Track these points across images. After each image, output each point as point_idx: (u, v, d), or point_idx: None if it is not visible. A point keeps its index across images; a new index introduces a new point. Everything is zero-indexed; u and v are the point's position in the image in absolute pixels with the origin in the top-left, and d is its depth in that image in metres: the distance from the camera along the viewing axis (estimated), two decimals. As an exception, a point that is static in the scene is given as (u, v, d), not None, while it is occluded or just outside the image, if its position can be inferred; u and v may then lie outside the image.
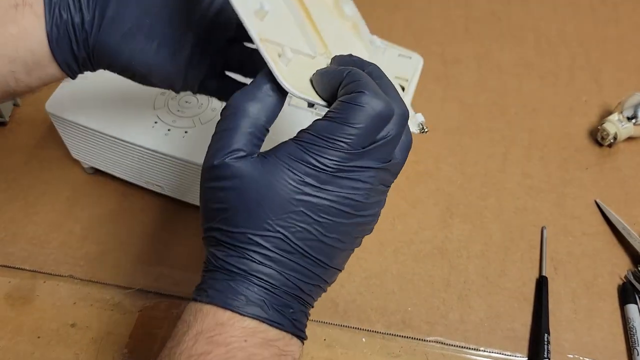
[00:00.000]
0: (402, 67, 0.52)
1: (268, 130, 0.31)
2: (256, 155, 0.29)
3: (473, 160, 0.58)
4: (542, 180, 0.57)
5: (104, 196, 0.53)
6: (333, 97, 0.30)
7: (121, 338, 0.45)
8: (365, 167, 0.29)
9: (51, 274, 0.48)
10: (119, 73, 0.36)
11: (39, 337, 0.45)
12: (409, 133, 0.32)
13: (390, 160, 0.30)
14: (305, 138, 0.28)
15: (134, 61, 0.34)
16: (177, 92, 0.38)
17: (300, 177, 0.28)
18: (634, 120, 0.57)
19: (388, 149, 0.30)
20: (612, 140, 0.58)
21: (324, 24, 0.35)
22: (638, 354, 0.45)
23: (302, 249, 0.29)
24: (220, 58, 0.38)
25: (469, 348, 0.46)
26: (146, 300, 0.47)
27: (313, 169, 0.28)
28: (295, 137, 0.29)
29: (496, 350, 0.46)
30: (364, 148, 0.28)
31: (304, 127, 0.28)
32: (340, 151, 0.28)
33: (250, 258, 0.28)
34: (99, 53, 0.34)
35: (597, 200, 0.55)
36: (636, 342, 0.45)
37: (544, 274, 0.50)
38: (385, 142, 0.29)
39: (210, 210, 0.29)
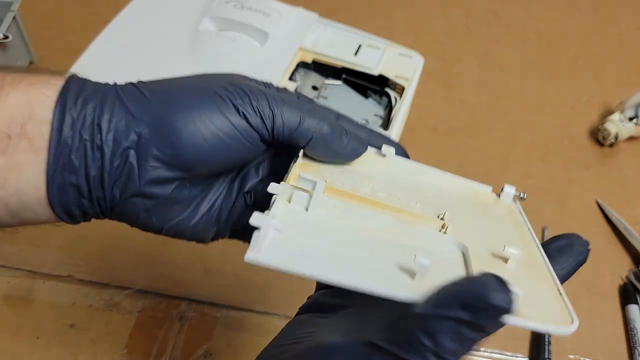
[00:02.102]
0: (403, 66, 0.52)
1: None
2: None
3: (474, 160, 0.58)
4: (543, 180, 0.57)
5: (104, 196, 0.53)
6: None
7: (121, 338, 0.45)
8: None
9: (50, 274, 0.48)
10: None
11: (38, 338, 0.45)
12: None
13: None
14: None
15: (165, 225, 0.28)
16: (207, 242, 0.31)
17: None
18: (635, 120, 0.57)
19: None
20: (613, 140, 0.58)
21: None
22: (639, 355, 0.45)
23: None
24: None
25: (470, 348, 0.46)
26: (146, 300, 0.47)
27: None
28: None
29: (497, 351, 0.46)
30: None
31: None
32: None
33: None
34: (119, 214, 0.26)
35: (598, 200, 0.55)
36: (637, 343, 0.45)
37: (545, 274, 0.50)
38: None
39: None
